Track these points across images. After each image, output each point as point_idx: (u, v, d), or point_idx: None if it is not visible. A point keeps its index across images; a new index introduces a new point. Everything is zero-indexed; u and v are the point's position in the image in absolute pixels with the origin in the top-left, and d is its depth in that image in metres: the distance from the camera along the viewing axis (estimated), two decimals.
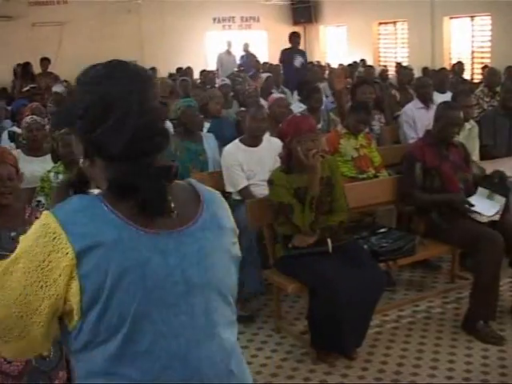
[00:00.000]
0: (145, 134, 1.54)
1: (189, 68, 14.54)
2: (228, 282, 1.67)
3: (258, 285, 4.95)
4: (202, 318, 1.58)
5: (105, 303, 1.46)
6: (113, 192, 1.54)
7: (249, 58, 16.26)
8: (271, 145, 5.37)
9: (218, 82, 10.06)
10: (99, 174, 1.58)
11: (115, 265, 1.46)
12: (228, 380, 1.61)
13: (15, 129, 7.35)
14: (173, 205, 1.57)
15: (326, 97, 8.73)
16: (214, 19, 18.65)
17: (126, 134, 1.52)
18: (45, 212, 1.52)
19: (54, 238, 1.46)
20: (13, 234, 3.50)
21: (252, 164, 5.29)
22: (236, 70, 14.79)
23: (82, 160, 1.61)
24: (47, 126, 6.21)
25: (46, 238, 1.47)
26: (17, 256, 1.50)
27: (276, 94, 7.58)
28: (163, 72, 14.46)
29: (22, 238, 1.53)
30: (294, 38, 11.86)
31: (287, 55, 11.65)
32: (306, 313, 4.38)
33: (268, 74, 10.08)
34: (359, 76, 11.76)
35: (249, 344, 4.55)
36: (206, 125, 6.82)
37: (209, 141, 5.93)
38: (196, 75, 14.23)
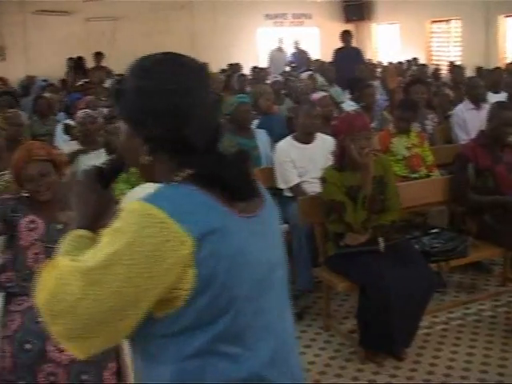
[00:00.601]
0: (215, 124, 1.64)
1: (237, 64, 14.59)
2: (286, 263, 1.76)
3: (308, 282, 4.95)
4: (282, 293, 1.69)
5: (217, 287, 1.48)
6: (198, 182, 1.55)
7: (300, 54, 16.22)
8: (324, 142, 5.36)
9: (270, 79, 10.07)
10: (164, 168, 1.60)
11: (225, 249, 1.48)
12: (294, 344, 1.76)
13: (69, 121, 7.45)
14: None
15: (379, 95, 8.66)
16: (266, 16, 18.63)
17: (210, 129, 1.60)
18: (135, 202, 1.49)
19: (163, 228, 1.44)
20: (59, 226, 3.53)
21: (304, 161, 5.29)
22: (287, 66, 14.79)
23: (142, 156, 1.60)
24: (100, 119, 6.28)
25: (153, 228, 1.44)
26: (116, 249, 1.44)
27: (319, 93, 7.53)
28: (215, 68, 14.53)
29: (111, 230, 1.49)
30: (346, 36, 11.77)
31: (341, 53, 11.55)
32: (355, 311, 4.37)
33: (310, 72, 10.04)
34: (412, 75, 11.64)
35: (297, 341, 4.54)
36: (256, 121, 6.82)
37: (261, 137, 5.95)
38: (247, 71, 14.26)
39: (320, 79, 10.39)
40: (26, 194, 3.52)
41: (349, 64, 10.61)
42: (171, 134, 1.56)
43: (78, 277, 1.45)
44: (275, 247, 1.68)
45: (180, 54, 1.64)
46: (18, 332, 3.24)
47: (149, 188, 1.59)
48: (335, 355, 4.41)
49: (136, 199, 1.50)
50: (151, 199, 1.49)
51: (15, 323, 3.28)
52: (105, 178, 1.74)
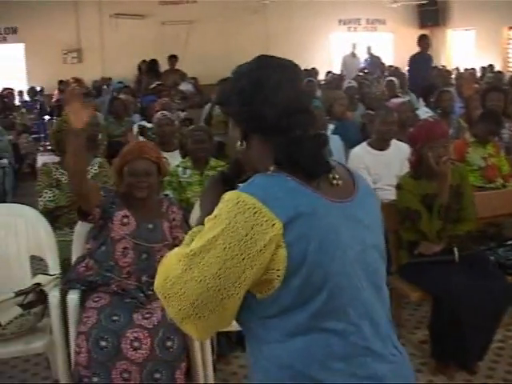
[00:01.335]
0: (296, 107, 1.74)
1: (313, 69, 14.57)
2: (383, 246, 1.85)
3: None
4: (378, 274, 1.78)
5: (309, 266, 1.59)
6: (282, 166, 1.69)
7: (373, 60, 16.11)
8: (399, 149, 5.31)
9: (345, 85, 10.03)
10: (257, 154, 1.78)
11: (315, 232, 1.61)
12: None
13: (144, 123, 7.57)
14: (337, 176, 1.74)
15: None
16: (340, 21, 18.57)
17: (279, 105, 1.71)
18: (231, 192, 1.65)
19: (255, 213, 1.58)
20: (150, 225, 3.66)
21: (379, 168, 5.25)
22: (360, 72, 14.70)
23: (238, 144, 1.80)
24: (176, 122, 6.38)
25: (245, 213, 1.59)
26: (214, 235, 1.60)
27: (399, 99, 7.47)
28: None
29: (212, 218, 1.64)
30: (423, 41, 11.42)
31: (415, 60, 11.36)
32: (426, 322, 4.30)
33: (390, 78, 9.95)
34: (487, 82, 11.42)
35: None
36: (330, 126, 6.81)
37: (334, 142, 5.92)
38: (321, 76, 14.23)
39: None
40: (123, 190, 3.68)
41: (422, 70, 10.45)
42: (245, 110, 1.75)
43: (183, 261, 1.63)
44: (371, 231, 1.77)
45: (271, 55, 1.84)
46: (93, 329, 3.30)
47: None
48: None
49: (233, 191, 1.66)
50: (245, 188, 1.65)
51: (91, 320, 3.35)
52: (228, 181, 1.91)
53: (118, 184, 3.81)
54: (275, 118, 1.71)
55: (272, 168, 1.70)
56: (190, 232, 1.78)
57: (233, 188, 1.81)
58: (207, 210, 1.78)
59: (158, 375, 3.28)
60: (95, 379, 3.24)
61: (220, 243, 1.59)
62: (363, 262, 1.71)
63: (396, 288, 4.55)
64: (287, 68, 1.80)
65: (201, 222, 1.77)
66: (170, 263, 1.67)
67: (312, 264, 1.59)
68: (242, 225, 1.58)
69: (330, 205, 1.66)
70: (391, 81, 9.63)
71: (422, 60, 11.15)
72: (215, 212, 1.64)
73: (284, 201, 1.60)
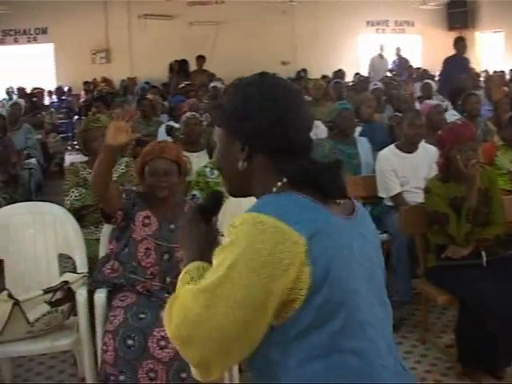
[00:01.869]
0: (307, 127, 1.75)
1: (340, 70, 14.53)
2: (383, 264, 1.80)
3: (406, 293, 4.87)
4: (382, 290, 1.74)
5: (331, 283, 1.52)
6: (295, 187, 1.63)
7: (401, 62, 16.03)
8: (427, 152, 5.27)
9: (370, 86, 9.99)
10: (261, 175, 1.70)
11: (334, 248, 1.55)
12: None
13: (172, 123, 7.60)
14: None
15: (482, 105, 8.45)
16: (368, 22, 18.52)
17: (302, 124, 1.71)
18: (243, 215, 1.56)
19: (276, 232, 1.50)
20: (172, 226, 3.67)
21: (406, 170, 5.22)
22: (388, 74, 14.64)
23: (240, 164, 1.71)
24: (204, 122, 6.40)
25: (266, 233, 1.49)
26: (232, 261, 1.50)
27: (432, 101, 7.42)
28: (315, 74, 14.52)
29: (224, 246, 1.56)
30: (459, 43, 11.09)
31: (449, 62, 11.14)
32: (452, 325, 4.27)
33: (427, 81, 9.89)
34: None
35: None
36: (358, 128, 6.78)
37: (362, 144, 5.90)
38: (349, 78, 14.19)
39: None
40: (144, 190, 3.70)
41: (457, 73, 10.28)
42: (270, 133, 1.67)
43: (200, 297, 1.52)
44: (374, 248, 1.75)
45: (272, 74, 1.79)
46: (120, 327, 3.31)
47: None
48: (431, 369, 4.31)
49: (243, 214, 1.57)
50: (257, 209, 1.57)
51: (118, 318, 3.36)
52: (206, 213, 1.84)
53: (139, 184, 3.83)
54: (297, 137, 1.69)
55: (277, 188, 1.65)
56: (185, 272, 1.67)
57: (209, 220, 1.84)
58: (192, 248, 1.75)
59: (184, 374, 3.27)
60: (122, 378, 3.25)
61: (242, 269, 1.48)
62: (372, 278, 1.67)
63: (423, 291, 4.54)
64: (294, 87, 1.81)
65: (192, 260, 1.71)
66: (184, 303, 1.55)
67: (333, 281, 1.53)
68: (263, 246, 1.48)
69: (341, 221, 1.62)
70: (427, 83, 9.57)
71: (456, 63, 10.93)
72: (228, 239, 1.54)
73: (302, 217, 1.54)
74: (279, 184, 1.66)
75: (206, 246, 1.75)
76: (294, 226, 1.51)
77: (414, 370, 4.27)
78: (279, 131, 1.66)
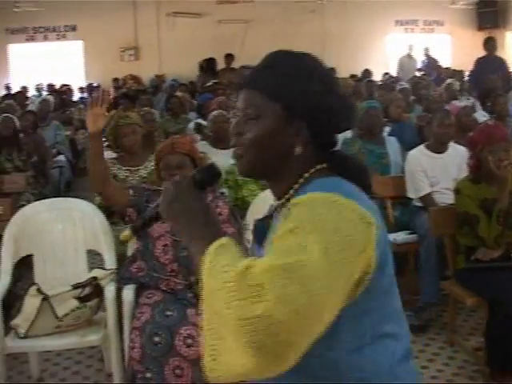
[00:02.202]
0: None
1: (367, 70, 14.48)
2: None
3: (434, 295, 4.83)
4: None
5: (383, 270, 1.48)
6: (330, 173, 1.58)
7: (430, 62, 15.92)
8: (457, 152, 5.22)
9: (398, 86, 9.94)
10: (300, 164, 1.58)
11: (383, 234, 1.49)
12: None
13: (200, 121, 7.62)
14: None
15: None
16: (397, 22, 18.38)
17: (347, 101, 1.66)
18: (314, 193, 1.44)
19: (353, 212, 1.41)
20: None
21: (436, 171, 5.18)
22: (417, 74, 14.55)
23: (297, 148, 1.57)
24: (232, 120, 6.40)
25: (341, 214, 1.39)
26: (309, 242, 1.33)
27: (460, 102, 7.37)
28: (343, 73, 14.48)
29: (294, 228, 1.37)
30: (489, 43, 10.96)
31: (480, 63, 10.99)
32: (481, 328, 4.23)
33: (450, 81, 9.81)
34: None
35: (420, 354, 4.45)
36: (386, 128, 6.75)
37: (391, 144, 5.88)
38: (377, 77, 14.12)
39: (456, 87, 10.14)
40: (161, 188, 3.68)
41: (488, 74, 10.13)
42: (329, 117, 1.58)
43: (270, 281, 1.28)
44: None
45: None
46: (147, 324, 3.31)
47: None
48: (459, 372, 4.27)
49: (307, 193, 1.46)
50: (324, 189, 1.45)
51: (145, 316, 3.36)
52: (199, 187, 1.65)
53: (158, 181, 3.83)
54: (344, 127, 1.65)
55: (315, 170, 1.58)
56: (215, 252, 1.40)
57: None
58: (196, 222, 1.52)
59: None
60: (148, 374, 3.25)
61: (322, 251, 1.32)
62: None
63: (451, 293, 4.50)
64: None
65: (209, 239, 1.44)
66: (268, 283, 1.29)
67: (385, 267, 1.49)
68: (344, 225, 1.38)
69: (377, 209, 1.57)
70: (451, 84, 9.50)
71: (488, 63, 10.77)
72: (298, 219, 1.39)
73: (363, 199, 1.49)
74: (312, 170, 1.58)
75: (209, 220, 1.54)
76: (364, 207, 1.44)
77: (442, 373, 4.24)
78: (339, 118, 1.60)
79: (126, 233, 1.55)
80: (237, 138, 1.60)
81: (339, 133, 1.65)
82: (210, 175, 1.69)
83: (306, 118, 1.55)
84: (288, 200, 1.58)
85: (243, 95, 1.61)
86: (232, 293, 1.29)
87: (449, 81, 9.95)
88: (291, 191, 1.59)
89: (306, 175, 1.58)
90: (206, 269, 1.37)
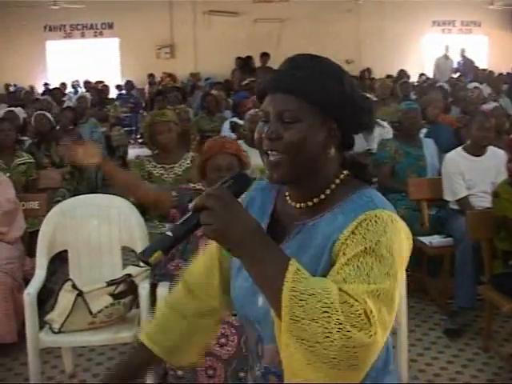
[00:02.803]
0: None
1: (402, 71, 14.39)
2: None
3: (469, 299, 4.76)
4: None
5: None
6: (353, 178, 1.60)
7: (466, 63, 15.77)
8: (495, 156, 5.15)
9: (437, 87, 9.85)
10: (330, 168, 1.58)
11: None
12: None
13: (236, 120, 7.61)
14: None
15: None
16: (434, 22, 18.25)
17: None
18: (381, 211, 1.47)
19: (404, 230, 1.49)
20: None
21: (473, 174, 5.11)
22: (453, 75, 14.42)
23: (331, 150, 1.56)
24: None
25: (399, 233, 1.46)
26: (384, 262, 1.39)
27: (489, 104, 7.27)
28: (378, 73, 14.40)
29: (368, 248, 1.41)
30: None
31: None
32: None
33: (475, 85, 9.70)
34: None
35: (454, 359, 4.39)
36: (423, 130, 6.69)
37: (428, 146, 5.81)
38: (413, 78, 14.02)
39: (486, 90, 10.03)
40: (202, 187, 3.68)
41: None
42: (356, 120, 1.58)
43: (377, 300, 1.35)
44: None
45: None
46: None
47: None
48: (493, 378, 4.20)
49: (371, 208, 1.48)
50: (380, 205, 1.49)
51: None
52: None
53: (199, 180, 3.81)
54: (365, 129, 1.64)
55: (339, 179, 1.58)
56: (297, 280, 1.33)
57: None
58: (251, 234, 1.39)
59: (242, 374, 3.25)
60: (180, 373, 3.24)
61: (394, 275, 1.40)
62: None
63: (487, 298, 4.43)
64: None
65: (269, 253, 1.38)
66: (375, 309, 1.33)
67: None
68: (403, 247, 1.45)
69: None
70: (476, 87, 9.40)
71: None
72: (366, 240, 1.41)
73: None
74: (342, 176, 1.59)
75: (265, 237, 1.42)
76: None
77: (476, 379, 4.18)
78: (363, 118, 1.60)
79: (156, 254, 1.48)
80: (274, 143, 1.53)
81: (358, 133, 1.64)
82: (246, 185, 1.58)
83: (340, 120, 1.55)
84: (314, 205, 1.58)
85: (277, 99, 1.55)
86: (335, 322, 1.28)
87: (473, 84, 9.78)
88: (322, 196, 1.58)
89: (337, 181, 1.58)
90: (291, 296, 1.31)
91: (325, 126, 1.53)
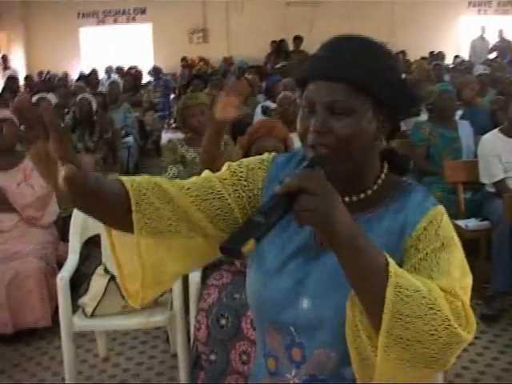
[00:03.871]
0: None
1: (440, 53, 14.19)
2: None
3: (506, 284, 4.68)
4: None
5: None
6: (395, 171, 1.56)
7: (503, 44, 15.51)
8: None
9: (475, 70, 9.67)
10: (375, 161, 1.52)
11: None
12: None
13: (268, 103, 7.57)
14: None
15: None
16: (469, 3, 17.92)
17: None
18: (440, 209, 1.48)
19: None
20: None
21: (510, 156, 5.02)
22: (489, 56, 14.20)
23: (382, 141, 1.49)
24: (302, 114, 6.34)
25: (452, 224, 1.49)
26: (456, 256, 1.41)
27: None
28: (413, 55, 14.21)
29: (449, 243, 1.43)
30: None
31: None
32: None
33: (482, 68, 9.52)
34: None
35: (490, 345, 4.32)
36: (458, 112, 6.60)
37: (464, 128, 5.74)
38: (448, 60, 13.84)
39: None
40: None
41: None
42: (403, 112, 1.53)
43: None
44: None
45: None
46: (214, 306, 3.29)
47: None
48: None
49: (434, 203, 1.48)
50: (435, 202, 1.49)
51: (212, 297, 3.34)
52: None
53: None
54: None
55: (385, 174, 1.52)
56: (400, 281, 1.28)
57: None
58: (346, 216, 1.28)
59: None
60: (213, 357, 3.23)
61: (465, 267, 1.43)
62: None
63: None
64: None
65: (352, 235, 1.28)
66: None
67: None
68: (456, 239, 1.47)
69: None
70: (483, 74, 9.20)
71: None
72: (440, 236, 1.41)
73: None
74: (385, 170, 1.53)
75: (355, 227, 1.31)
76: None
77: None
78: (414, 106, 1.54)
79: (250, 243, 1.31)
80: (323, 137, 1.40)
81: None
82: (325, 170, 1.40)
83: (392, 108, 1.45)
84: (359, 200, 1.50)
85: (324, 88, 1.41)
86: (442, 319, 1.26)
87: (482, 68, 9.53)
88: (369, 191, 1.50)
89: (383, 176, 1.52)
90: (397, 292, 1.26)
91: (376, 116, 1.43)
